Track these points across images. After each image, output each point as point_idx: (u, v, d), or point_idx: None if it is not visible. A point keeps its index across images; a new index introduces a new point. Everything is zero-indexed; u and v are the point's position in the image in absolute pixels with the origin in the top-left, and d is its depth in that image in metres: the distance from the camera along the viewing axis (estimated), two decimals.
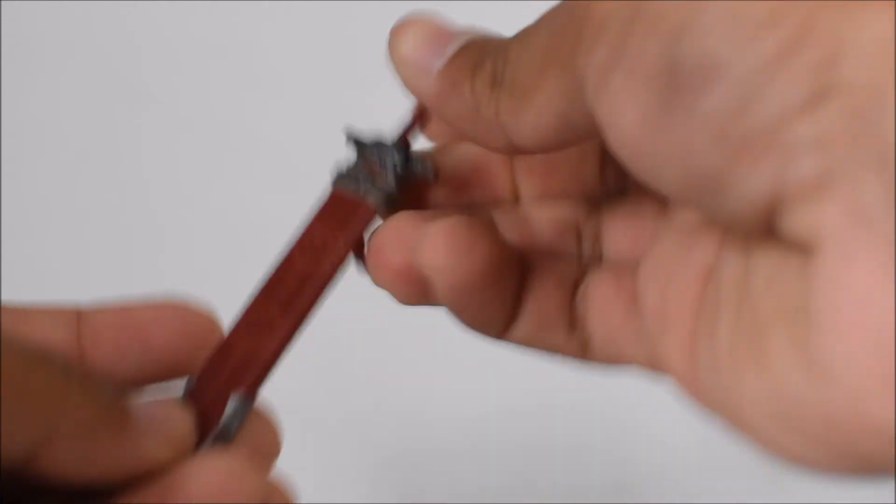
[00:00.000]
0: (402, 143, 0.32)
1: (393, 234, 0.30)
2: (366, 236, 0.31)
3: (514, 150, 0.28)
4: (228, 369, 0.29)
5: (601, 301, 0.30)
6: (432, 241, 0.28)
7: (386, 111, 0.36)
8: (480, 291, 0.29)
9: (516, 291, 0.30)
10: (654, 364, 0.28)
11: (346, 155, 0.32)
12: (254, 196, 0.62)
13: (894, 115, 0.20)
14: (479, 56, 0.28)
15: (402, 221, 0.30)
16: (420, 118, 0.33)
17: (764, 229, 0.22)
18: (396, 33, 0.29)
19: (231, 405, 0.28)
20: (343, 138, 0.32)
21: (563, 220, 0.31)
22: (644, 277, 0.28)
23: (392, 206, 0.31)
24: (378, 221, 0.31)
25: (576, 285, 0.30)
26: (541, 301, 0.30)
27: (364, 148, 0.32)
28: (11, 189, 0.62)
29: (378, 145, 0.32)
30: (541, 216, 0.31)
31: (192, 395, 0.28)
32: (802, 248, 0.22)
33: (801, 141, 0.21)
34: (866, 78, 0.20)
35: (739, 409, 0.24)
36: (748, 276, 0.24)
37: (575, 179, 0.32)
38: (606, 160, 0.31)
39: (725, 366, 0.24)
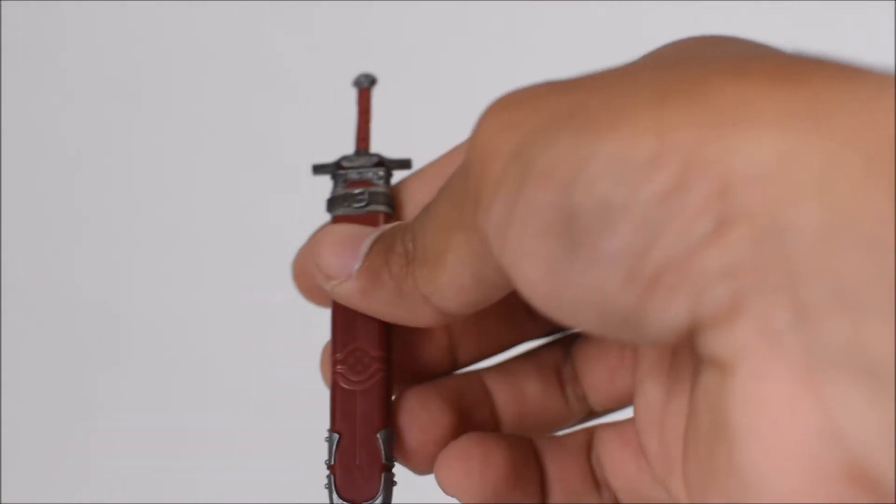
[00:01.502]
0: (363, 147, 0.33)
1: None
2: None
3: (444, 318, 0.28)
4: (358, 415, 0.30)
5: (613, 460, 0.31)
6: (446, 465, 0.30)
7: (387, 112, 0.36)
8: (504, 499, 0.30)
9: (538, 481, 0.31)
10: (675, 501, 0.29)
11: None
12: (254, 196, 0.62)
13: (793, 240, 0.21)
14: (390, 242, 0.29)
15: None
16: (363, 117, 0.34)
17: (687, 345, 0.23)
18: (313, 246, 0.30)
19: (381, 439, 0.30)
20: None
21: (543, 365, 0.32)
22: (641, 429, 0.29)
23: (391, 205, 0.32)
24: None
25: (588, 450, 0.31)
26: (563, 481, 0.31)
27: (336, 171, 0.33)
28: (12, 189, 0.62)
29: (344, 163, 0.33)
30: (524, 368, 0.32)
31: (342, 449, 0.30)
32: (721, 367, 0.22)
33: (710, 271, 0.21)
34: (761, 205, 0.21)
35: None
36: (698, 401, 0.24)
37: (508, 330, 0.32)
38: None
39: (712, 494, 0.24)
